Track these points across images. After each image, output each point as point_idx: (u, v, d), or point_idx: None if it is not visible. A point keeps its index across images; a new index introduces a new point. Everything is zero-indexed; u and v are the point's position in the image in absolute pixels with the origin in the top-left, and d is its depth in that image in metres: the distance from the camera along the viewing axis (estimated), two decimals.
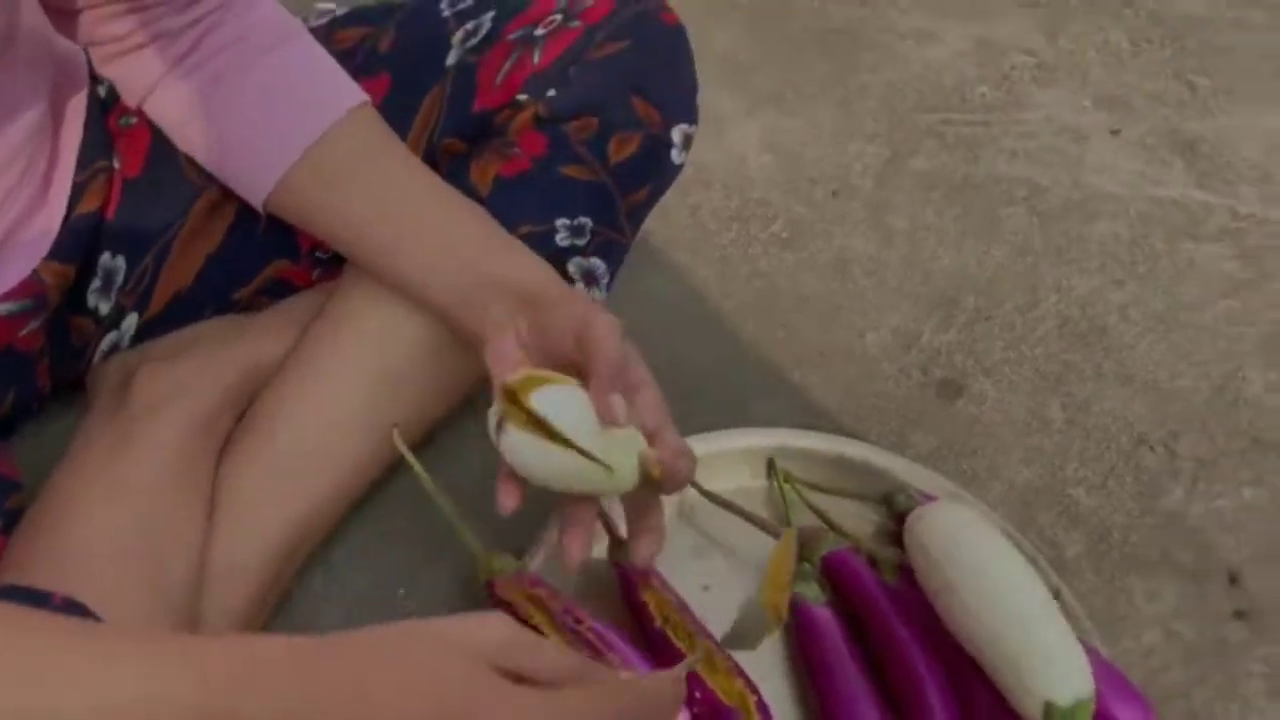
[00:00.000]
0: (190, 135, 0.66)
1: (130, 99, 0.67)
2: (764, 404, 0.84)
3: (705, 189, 1.01)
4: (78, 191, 0.65)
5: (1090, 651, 0.64)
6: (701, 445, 0.73)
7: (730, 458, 0.77)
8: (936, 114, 1.10)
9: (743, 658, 0.66)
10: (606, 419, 0.54)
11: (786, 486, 0.76)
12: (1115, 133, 1.10)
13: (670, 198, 0.96)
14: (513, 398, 0.58)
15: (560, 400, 0.57)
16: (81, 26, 0.64)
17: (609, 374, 0.55)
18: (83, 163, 0.66)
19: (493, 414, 0.59)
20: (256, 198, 0.65)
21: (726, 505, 0.73)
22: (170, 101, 0.65)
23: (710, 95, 1.09)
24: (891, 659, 0.67)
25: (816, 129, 1.07)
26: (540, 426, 0.57)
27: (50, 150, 0.64)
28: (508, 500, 0.58)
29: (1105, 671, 0.65)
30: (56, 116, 0.66)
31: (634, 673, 0.50)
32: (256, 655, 0.38)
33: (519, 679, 0.40)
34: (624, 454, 0.57)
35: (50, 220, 0.64)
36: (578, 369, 0.58)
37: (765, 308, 0.92)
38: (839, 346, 0.89)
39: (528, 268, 0.63)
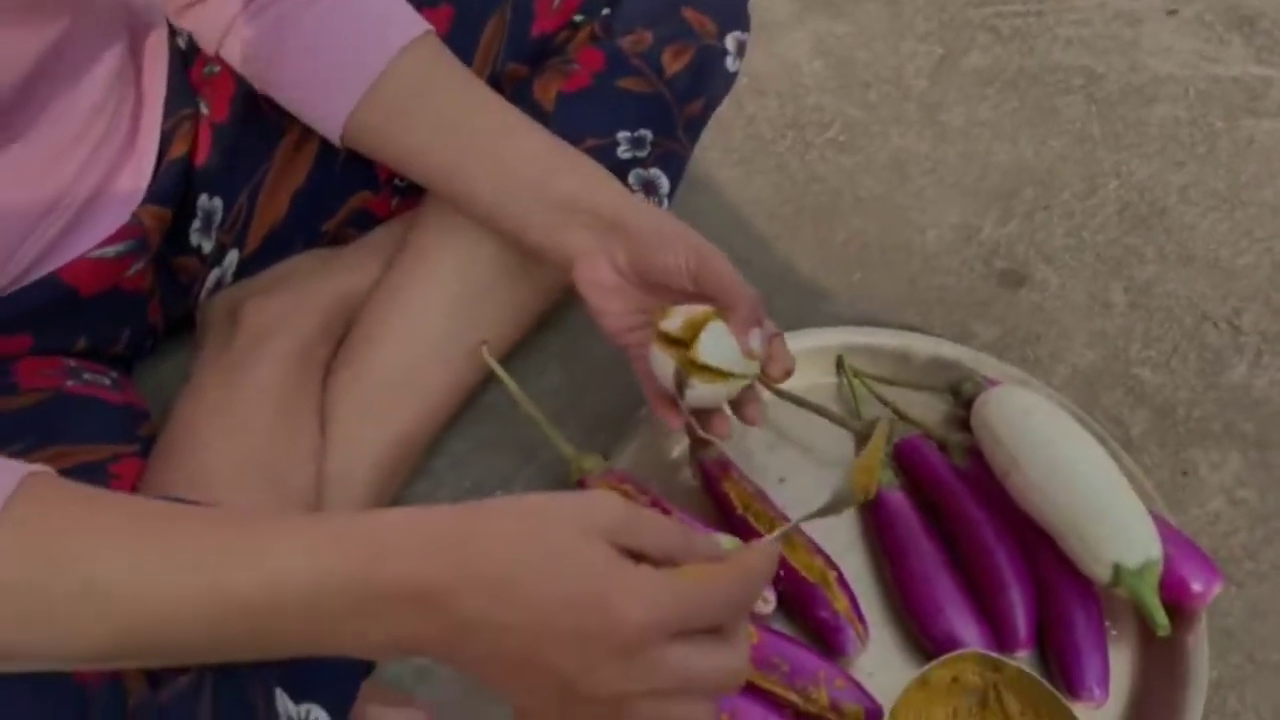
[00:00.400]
0: (265, 76, 0.69)
1: (207, 47, 0.70)
2: (829, 305, 0.87)
3: (760, 97, 1.02)
4: (166, 138, 0.69)
5: (1157, 519, 0.67)
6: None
7: (800, 357, 0.79)
8: (988, 8, 1.09)
9: (821, 541, 0.70)
10: (748, 353, 0.62)
11: (856, 381, 0.79)
12: (1171, 13, 1.08)
13: (726, 109, 0.98)
14: (683, 357, 0.62)
15: (715, 341, 0.62)
16: None
17: (748, 313, 0.61)
18: (169, 110, 0.70)
19: (660, 359, 0.63)
20: (333, 134, 0.68)
21: (799, 402, 0.76)
22: (242, 45, 0.68)
23: (760, 3, 1.10)
24: (964, 536, 0.70)
25: (867, 31, 1.08)
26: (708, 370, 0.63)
27: (135, 99, 0.68)
28: (674, 421, 0.65)
29: (1172, 537, 0.68)
30: (138, 67, 0.69)
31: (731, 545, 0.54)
32: (418, 526, 0.41)
33: (633, 554, 0.43)
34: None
35: (142, 166, 0.68)
36: (688, 296, 0.63)
37: (825, 212, 0.94)
38: (900, 245, 0.91)
39: (600, 188, 0.65)
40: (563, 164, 0.66)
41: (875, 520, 0.73)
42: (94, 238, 0.64)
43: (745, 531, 0.70)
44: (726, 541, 0.58)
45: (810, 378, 0.80)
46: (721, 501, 0.72)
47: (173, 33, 0.72)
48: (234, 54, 0.69)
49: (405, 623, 0.41)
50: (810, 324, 0.82)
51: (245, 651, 0.42)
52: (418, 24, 0.68)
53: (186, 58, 0.73)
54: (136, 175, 0.67)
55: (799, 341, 0.80)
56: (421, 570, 0.41)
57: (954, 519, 0.71)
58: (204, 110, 0.71)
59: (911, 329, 0.83)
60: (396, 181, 0.77)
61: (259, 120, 0.72)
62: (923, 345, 0.81)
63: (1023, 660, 0.66)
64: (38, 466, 0.41)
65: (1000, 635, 0.66)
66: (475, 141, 0.66)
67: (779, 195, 0.95)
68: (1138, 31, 1.07)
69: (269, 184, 0.73)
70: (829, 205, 0.94)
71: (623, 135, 0.72)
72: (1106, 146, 0.98)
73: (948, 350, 0.80)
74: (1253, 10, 1.08)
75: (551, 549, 0.41)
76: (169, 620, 0.40)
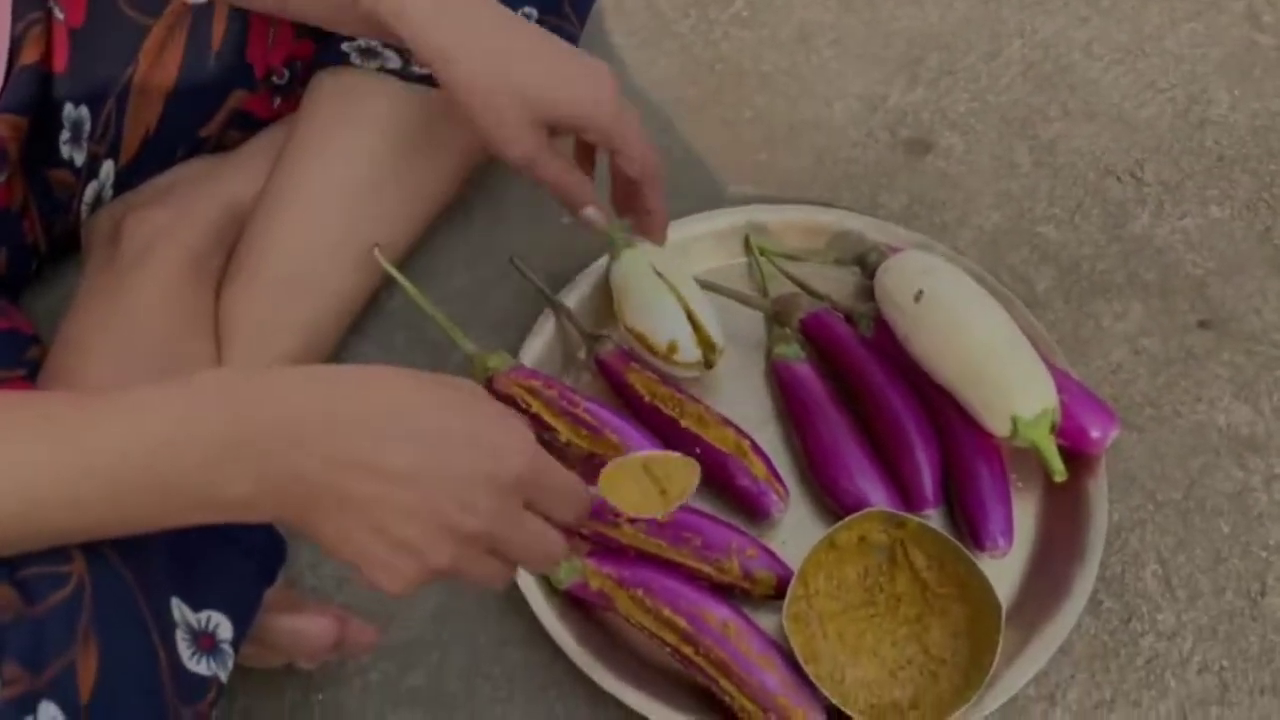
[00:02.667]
0: None
1: None
2: (737, 185, 0.86)
3: None
4: (16, 44, 0.66)
5: (1055, 371, 0.68)
6: (677, 231, 0.77)
7: (709, 239, 0.79)
8: None
9: (733, 416, 0.70)
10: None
11: (763, 260, 0.79)
12: None
13: None
14: None
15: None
16: None
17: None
18: (16, 14, 0.66)
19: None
20: None
21: (709, 286, 0.76)
22: None
23: None
24: (870, 402, 0.71)
25: None
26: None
27: None
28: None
29: (1070, 386, 0.69)
30: None
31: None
32: (263, 372, 0.43)
33: None
34: None
35: None
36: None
37: (730, 90, 0.92)
38: (806, 120, 0.90)
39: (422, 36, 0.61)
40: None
41: (783, 393, 0.73)
42: None
43: (655, 418, 0.70)
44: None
45: (720, 259, 0.80)
46: (627, 393, 0.72)
47: None
48: None
49: (274, 457, 0.42)
50: (718, 205, 0.82)
51: (107, 521, 0.43)
52: None
53: None
54: None
55: (707, 224, 0.80)
56: (301, 403, 0.42)
57: (860, 387, 0.72)
58: (58, 15, 0.68)
59: (820, 204, 0.83)
60: (274, 78, 0.75)
61: (119, 22, 0.69)
62: (829, 219, 0.81)
63: (931, 518, 0.68)
64: None
65: (908, 496, 0.68)
66: None
67: (683, 76, 0.93)
68: None
69: (136, 87, 0.71)
70: (734, 83, 0.93)
71: None
72: (1010, 5, 0.96)
73: (853, 222, 0.80)
74: None
75: (433, 392, 0.44)
76: (27, 490, 0.41)
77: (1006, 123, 0.89)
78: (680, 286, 0.73)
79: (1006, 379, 0.65)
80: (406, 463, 0.43)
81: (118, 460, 0.41)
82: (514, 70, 0.61)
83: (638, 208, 0.68)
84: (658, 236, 0.70)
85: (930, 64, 0.93)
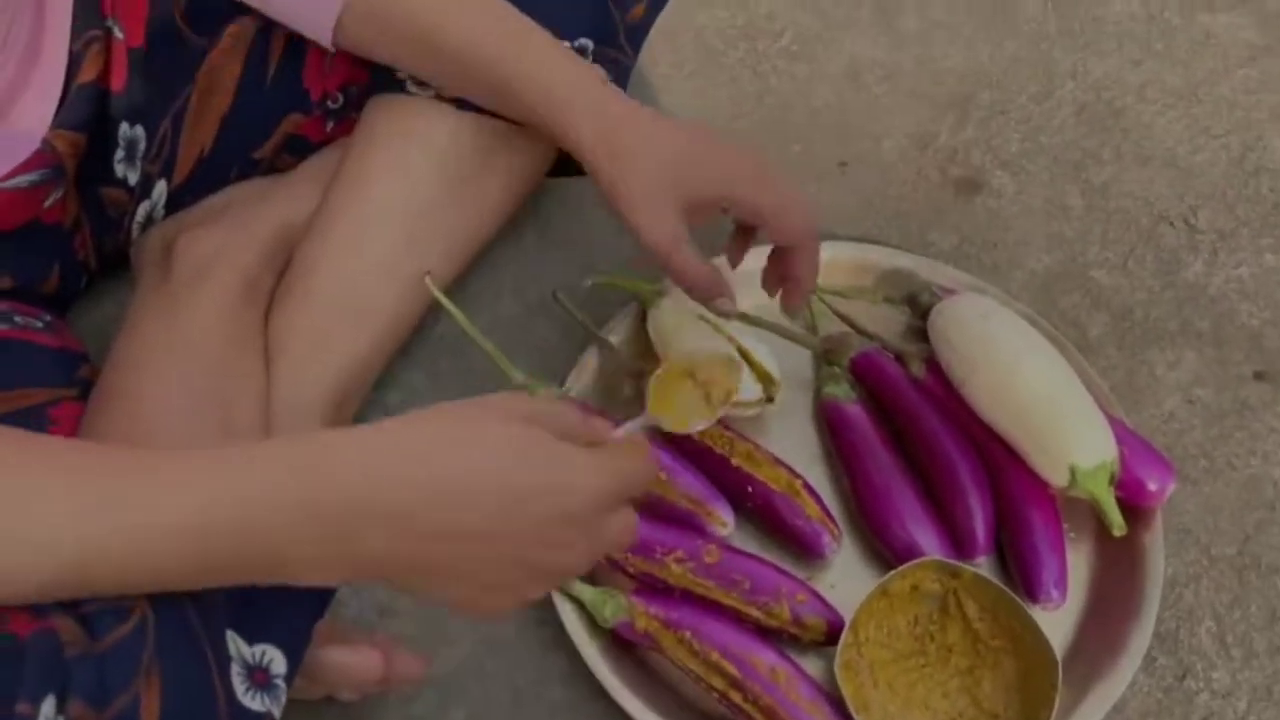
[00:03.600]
0: None
1: None
2: None
3: (709, 8, 0.99)
4: (75, 61, 0.66)
5: (1112, 420, 0.67)
6: (727, 267, 0.76)
7: (756, 275, 0.79)
8: None
9: (785, 457, 0.70)
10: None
11: (812, 296, 0.78)
12: None
13: (675, 20, 0.95)
14: None
15: None
16: None
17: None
18: (76, 32, 0.66)
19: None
20: (325, 39, 0.68)
21: (756, 322, 0.75)
22: None
23: None
24: (923, 446, 0.70)
25: None
26: None
27: (34, 19, 0.65)
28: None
29: (1128, 437, 0.68)
30: None
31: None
32: (329, 445, 0.43)
33: None
34: None
35: (47, 89, 0.65)
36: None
37: (780, 124, 0.92)
38: (856, 156, 0.90)
39: (576, 132, 0.65)
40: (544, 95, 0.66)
41: (833, 434, 0.73)
42: (2, 167, 0.62)
43: (705, 457, 0.70)
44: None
45: (765, 295, 0.79)
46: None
47: None
48: None
49: (353, 546, 0.43)
50: (765, 240, 0.81)
51: (187, 580, 0.43)
52: None
53: None
54: (42, 99, 0.64)
55: (754, 259, 0.79)
56: (367, 485, 0.42)
57: (911, 429, 0.71)
58: (118, 34, 0.68)
59: (869, 241, 0.82)
60: (329, 103, 0.75)
61: (179, 43, 0.69)
62: (879, 257, 0.80)
63: (983, 566, 0.67)
64: None
65: (959, 543, 0.67)
66: (462, 60, 0.66)
67: (732, 108, 0.93)
68: None
69: (193, 109, 0.71)
70: (783, 117, 0.92)
71: (563, 45, 0.70)
72: (1063, 46, 0.96)
73: (904, 261, 0.79)
74: None
75: (491, 446, 0.44)
76: (104, 560, 0.41)
77: (1058, 164, 0.89)
78: (728, 327, 0.72)
79: (1065, 428, 0.64)
80: (484, 525, 0.44)
81: (176, 546, 0.42)
82: (665, 149, 0.63)
83: (785, 274, 0.68)
84: (795, 304, 0.70)
85: (981, 103, 0.92)
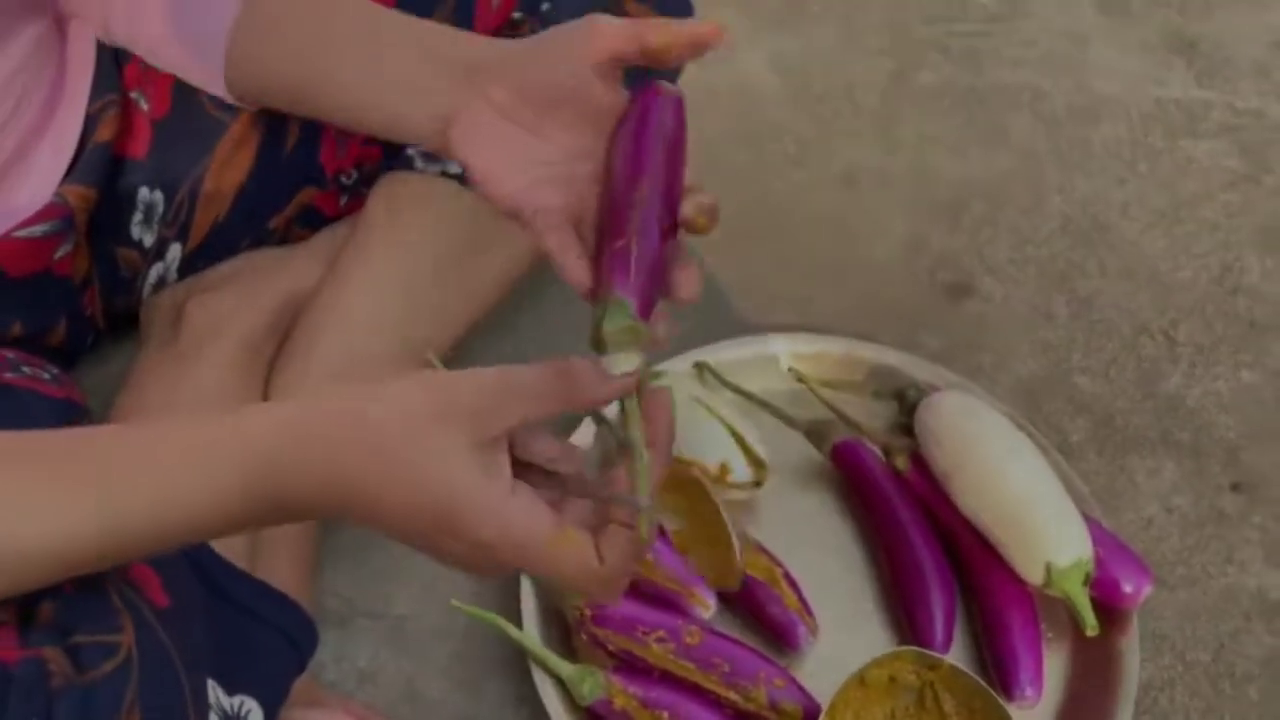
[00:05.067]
0: (141, 45, 0.66)
1: (96, 31, 0.68)
2: (781, 315, 0.88)
3: (713, 112, 1.04)
4: (92, 120, 0.69)
5: (1090, 522, 0.69)
6: (722, 352, 0.78)
7: (749, 364, 0.81)
8: (938, 26, 1.11)
9: (767, 539, 0.71)
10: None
11: (800, 387, 0.80)
12: (1117, 36, 1.11)
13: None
14: None
15: None
16: None
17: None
18: (95, 94, 0.69)
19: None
20: (217, 85, 0.64)
21: (744, 394, 0.77)
22: (117, 20, 0.66)
23: (713, 18, 1.11)
24: (892, 538, 0.72)
25: (821, 48, 1.10)
26: None
27: (55, 77, 0.68)
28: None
29: (1105, 539, 0.69)
30: (61, 44, 0.69)
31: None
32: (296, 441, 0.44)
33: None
34: None
35: (62, 143, 0.67)
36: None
37: (778, 227, 0.95)
38: (850, 258, 0.93)
39: (462, 39, 0.57)
40: (433, 39, 0.57)
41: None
42: (15, 215, 0.64)
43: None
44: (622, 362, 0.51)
45: (758, 383, 0.81)
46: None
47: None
48: (117, 33, 0.67)
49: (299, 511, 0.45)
50: (760, 331, 0.84)
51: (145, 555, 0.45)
52: None
53: (119, 54, 0.72)
54: (56, 154, 0.67)
55: (748, 348, 0.82)
56: (303, 486, 0.44)
57: (883, 521, 0.72)
58: (144, 105, 0.71)
59: (860, 339, 0.85)
60: (342, 178, 0.78)
61: (200, 116, 0.72)
62: (868, 352, 0.82)
63: (959, 661, 0.67)
64: None
65: (919, 639, 0.68)
66: (346, 42, 0.59)
67: (731, 207, 0.94)
68: (1084, 53, 1.09)
69: (211, 177, 0.73)
70: (781, 218, 0.96)
71: None
72: (1052, 163, 1.00)
73: (892, 358, 0.81)
74: (1195, 35, 1.11)
75: (414, 470, 0.43)
76: (98, 560, 0.43)
77: (1045, 274, 0.92)
78: (721, 410, 0.74)
79: (1043, 526, 0.66)
80: (411, 540, 0.45)
81: (155, 535, 0.44)
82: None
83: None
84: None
85: (973, 212, 0.96)
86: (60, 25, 0.69)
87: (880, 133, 1.02)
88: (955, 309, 0.89)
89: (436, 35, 0.58)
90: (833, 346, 0.82)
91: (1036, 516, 0.66)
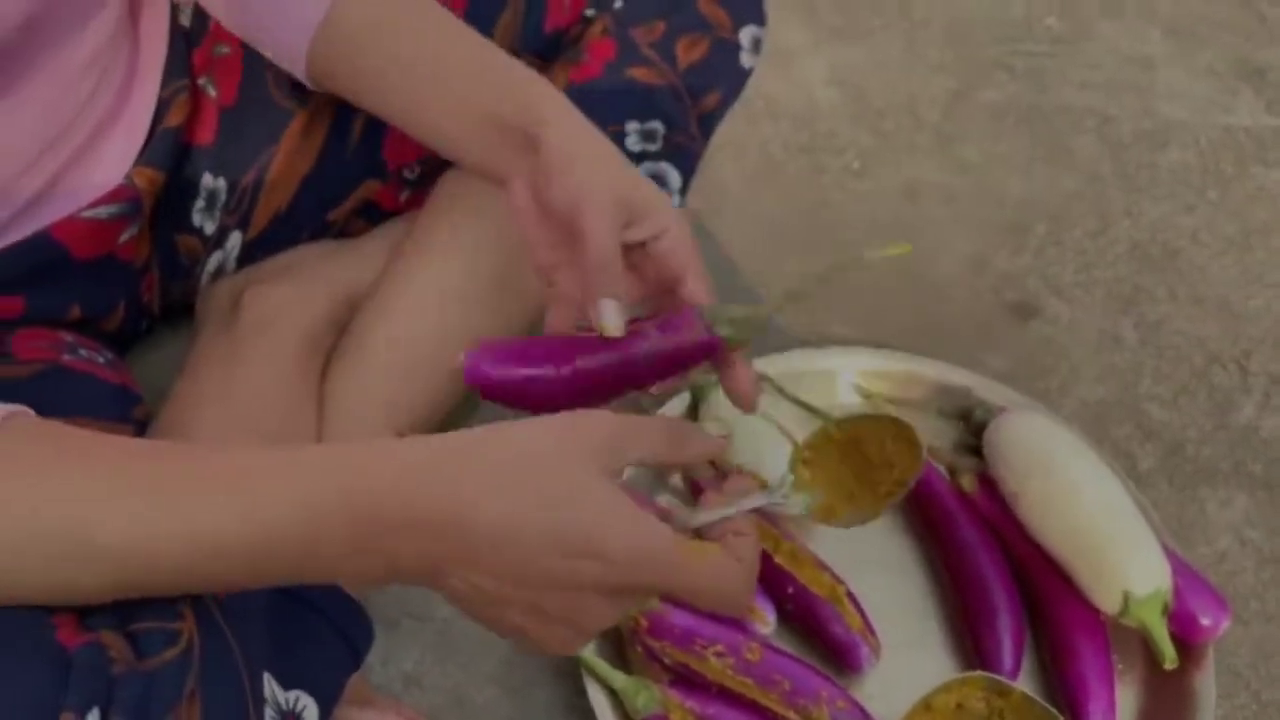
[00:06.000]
0: (232, 17, 0.66)
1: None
2: (842, 328, 0.86)
3: (774, 121, 1.02)
4: (163, 105, 0.68)
5: (1167, 552, 0.66)
6: (783, 364, 0.77)
7: (810, 378, 0.79)
8: (1003, 45, 1.10)
9: (827, 558, 0.69)
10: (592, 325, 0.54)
11: (865, 401, 0.78)
12: (1184, 62, 1.09)
13: (740, 129, 0.98)
14: None
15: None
16: None
17: (596, 281, 0.53)
18: (166, 79, 0.69)
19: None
20: (300, 72, 0.64)
21: (802, 404, 0.75)
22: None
23: (777, 29, 1.10)
24: (959, 561, 0.69)
25: (883, 61, 1.08)
26: None
27: (129, 63, 0.67)
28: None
29: (1182, 570, 0.67)
30: (135, 33, 0.68)
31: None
32: (405, 461, 0.42)
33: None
34: None
35: (134, 128, 0.67)
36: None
37: (838, 237, 0.94)
38: (912, 272, 0.91)
39: (537, 104, 0.58)
40: (528, 91, 0.59)
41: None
42: (85, 196, 0.63)
43: None
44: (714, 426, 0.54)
45: (819, 398, 0.79)
46: None
47: (176, 10, 0.72)
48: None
49: (401, 552, 0.42)
50: (820, 345, 0.82)
51: (239, 586, 0.44)
52: None
53: (191, 38, 0.72)
54: (129, 137, 0.66)
55: (810, 361, 0.80)
56: (420, 507, 0.41)
57: (949, 542, 0.70)
58: (211, 93, 0.70)
59: (923, 355, 0.83)
60: (405, 173, 0.77)
61: (268, 104, 0.72)
62: (932, 370, 0.80)
63: (1027, 689, 0.65)
64: (17, 407, 0.41)
65: (985, 665, 0.65)
66: (444, 82, 0.60)
67: (791, 219, 0.95)
68: (1151, 78, 1.07)
69: (275, 168, 0.72)
70: (842, 230, 0.94)
71: (632, 126, 0.71)
72: (1118, 187, 0.98)
73: (957, 376, 0.79)
74: (1263, 63, 1.09)
75: (544, 492, 0.41)
76: (156, 566, 0.40)
77: (1112, 298, 0.90)
78: (784, 422, 0.72)
79: (1121, 553, 0.63)
80: (510, 569, 0.42)
81: (237, 553, 0.41)
82: (616, 173, 0.57)
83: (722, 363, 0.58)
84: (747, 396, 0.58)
85: (1037, 232, 0.94)
86: (134, 8, 0.68)
87: (942, 149, 1.01)
88: (1020, 330, 0.87)
89: (506, 89, 0.59)
90: (896, 363, 0.80)
91: (1114, 543, 0.64)
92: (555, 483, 0.42)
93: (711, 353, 0.55)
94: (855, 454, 0.51)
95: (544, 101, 0.58)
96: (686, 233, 0.57)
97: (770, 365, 0.79)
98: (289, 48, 0.63)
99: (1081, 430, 0.79)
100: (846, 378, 0.79)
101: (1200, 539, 0.75)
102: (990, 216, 0.95)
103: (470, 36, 0.62)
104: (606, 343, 0.54)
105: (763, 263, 0.90)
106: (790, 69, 1.07)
